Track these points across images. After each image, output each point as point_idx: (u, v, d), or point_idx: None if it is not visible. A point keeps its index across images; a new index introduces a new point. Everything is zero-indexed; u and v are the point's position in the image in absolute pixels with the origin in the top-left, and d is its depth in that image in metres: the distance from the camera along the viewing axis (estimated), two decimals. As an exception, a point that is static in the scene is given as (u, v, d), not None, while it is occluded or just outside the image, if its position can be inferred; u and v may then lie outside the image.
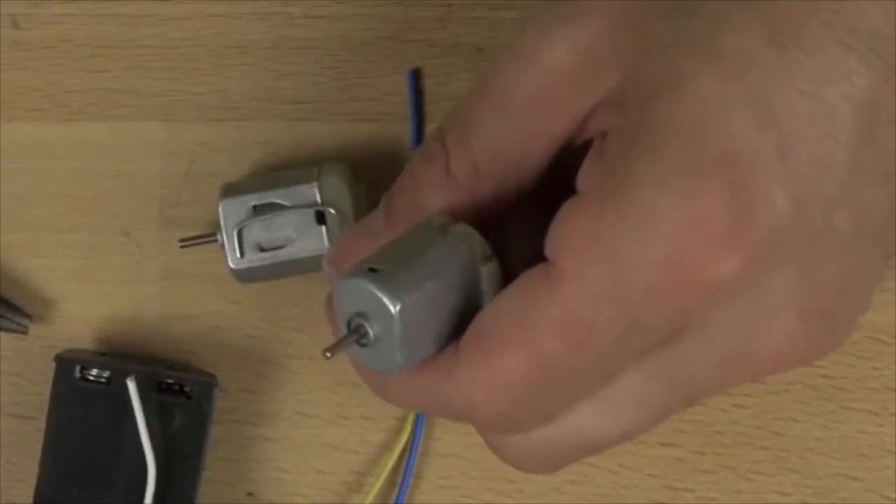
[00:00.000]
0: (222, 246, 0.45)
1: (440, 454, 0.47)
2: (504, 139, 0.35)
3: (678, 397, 0.34)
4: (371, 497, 0.47)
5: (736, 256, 0.31)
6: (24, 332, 0.47)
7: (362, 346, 0.34)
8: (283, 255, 0.45)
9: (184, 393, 0.46)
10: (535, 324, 0.33)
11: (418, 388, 0.35)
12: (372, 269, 0.34)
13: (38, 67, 0.48)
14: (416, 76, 0.47)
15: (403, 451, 0.47)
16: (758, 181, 0.30)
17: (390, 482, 0.47)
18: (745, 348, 0.33)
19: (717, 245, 0.31)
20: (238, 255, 0.45)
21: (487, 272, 0.35)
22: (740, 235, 0.31)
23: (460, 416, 0.35)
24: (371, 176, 0.46)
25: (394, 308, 0.33)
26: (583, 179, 0.33)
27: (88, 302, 0.48)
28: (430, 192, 0.36)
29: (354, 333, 0.34)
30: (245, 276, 0.45)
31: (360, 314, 0.34)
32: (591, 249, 0.32)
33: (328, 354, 0.34)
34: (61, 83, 0.48)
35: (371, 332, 0.34)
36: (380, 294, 0.33)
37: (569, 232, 0.32)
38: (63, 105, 0.48)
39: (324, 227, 0.45)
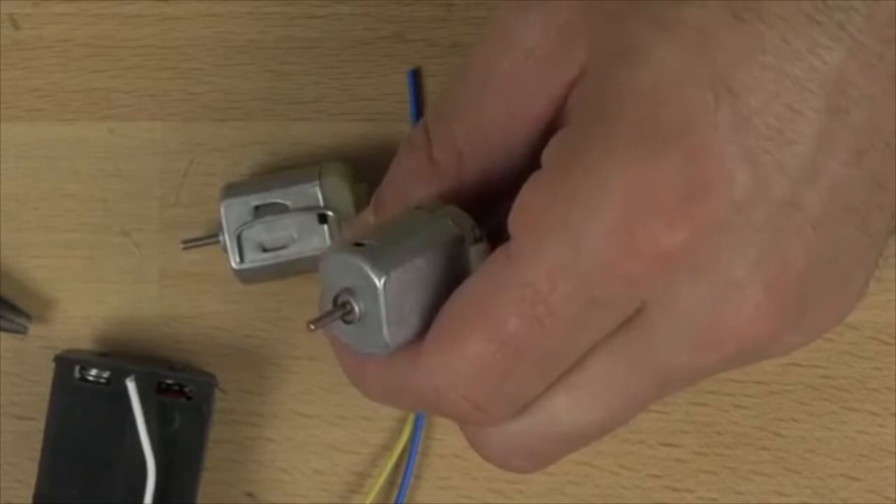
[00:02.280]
0: (224, 247, 0.45)
1: (440, 455, 0.47)
2: (484, 123, 0.35)
3: (651, 383, 0.34)
4: (371, 498, 0.47)
5: (686, 227, 0.30)
6: (24, 332, 0.47)
7: (347, 322, 0.34)
8: (285, 255, 0.45)
9: (184, 393, 0.46)
10: (495, 303, 0.32)
11: (393, 376, 0.34)
12: (358, 244, 0.34)
13: (38, 67, 0.48)
14: (416, 76, 0.47)
15: (403, 451, 0.47)
16: (712, 152, 0.30)
17: (390, 483, 0.47)
18: (711, 327, 0.32)
19: (667, 215, 0.30)
20: (240, 255, 0.45)
21: (476, 253, 0.35)
22: (691, 205, 0.30)
23: (430, 406, 0.34)
24: (371, 176, 0.46)
25: (379, 281, 0.33)
26: (545, 154, 0.33)
27: (88, 302, 0.48)
28: (415, 181, 0.36)
29: (340, 309, 0.33)
30: (247, 276, 0.45)
31: (347, 290, 0.33)
32: (545, 223, 0.31)
33: (312, 327, 0.33)
34: (61, 83, 0.48)
35: (357, 309, 0.33)
36: (365, 267, 0.33)
37: (526, 207, 0.32)
38: (62, 105, 0.48)
39: (325, 227, 0.45)
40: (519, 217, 0.32)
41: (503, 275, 0.32)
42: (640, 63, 0.31)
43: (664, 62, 0.30)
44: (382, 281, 0.33)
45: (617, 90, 0.31)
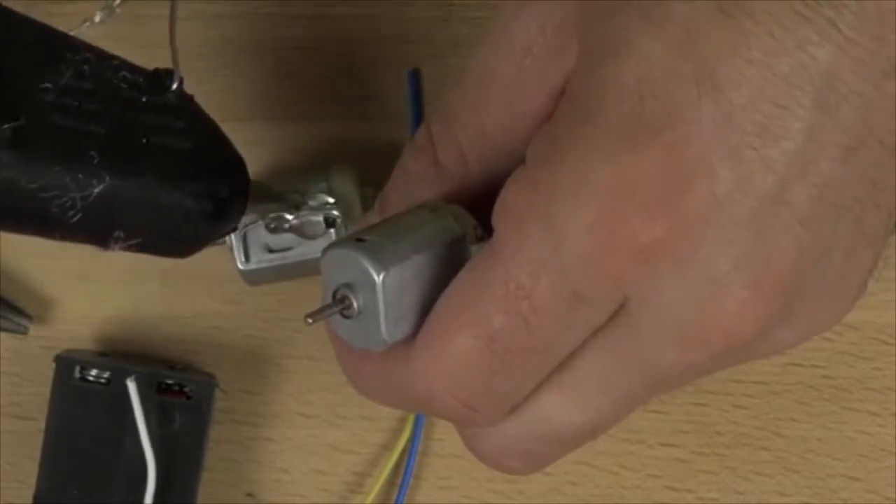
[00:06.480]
0: (230, 247, 0.45)
1: (440, 455, 0.47)
2: (487, 124, 0.35)
3: (641, 381, 0.33)
4: (371, 497, 0.47)
5: (667, 221, 0.30)
6: (24, 332, 0.47)
7: (346, 317, 0.34)
8: (291, 256, 0.45)
9: (184, 393, 0.46)
10: (480, 299, 0.32)
11: (389, 375, 0.34)
12: (359, 240, 0.34)
13: (38, 68, 0.48)
14: (416, 76, 0.47)
15: (403, 451, 0.47)
16: (693, 146, 0.30)
17: (390, 483, 0.47)
18: (697, 324, 0.32)
19: (648, 209, 0.30)
20: (245, 256, 0.45)
21: (477, 252, 0.35)
22: (672, 199, 0.30)
23: (423, 405, 0.34)
24: (370, 176, 0.46)
25: (378, 277, 0.33)
26: (529, 149, 0.33)
27: (88, 302, 0.48)
28: (420, 183, 0.36)
29: (339, 303, 0.33)
30: (253, 277, 0.45)
31: (346, 285, 0.33)
32: (526, 218, 0.31)
33: (309, 321, 0.33)
34: (61, 83, 0.48)
35: (356, 304, 0.33)
36: (365, 262, 0.33)
37: (508, 202, 0.32)
38: (63, 105, 0.48)
39: (332, 230, 0.44)
40: (501, 212, 0.32)
41: (488, 271, 0.32)
42: (625, 58, 0.31)
43: (649, 57, 0.31)
44: (381, 276, 0.33)
45: (601, 85, 0.31)
